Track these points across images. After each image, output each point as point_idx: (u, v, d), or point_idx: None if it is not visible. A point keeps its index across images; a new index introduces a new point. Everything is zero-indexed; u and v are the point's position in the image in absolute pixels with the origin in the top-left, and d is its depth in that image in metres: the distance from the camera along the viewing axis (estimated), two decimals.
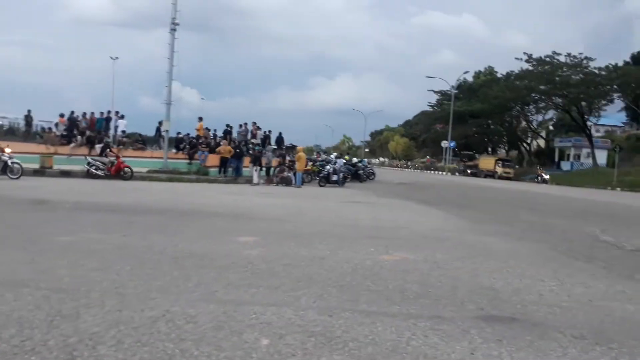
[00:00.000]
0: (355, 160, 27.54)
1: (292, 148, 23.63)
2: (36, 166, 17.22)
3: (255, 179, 18.66)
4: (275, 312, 3.22)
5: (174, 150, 21.91)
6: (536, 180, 35.46)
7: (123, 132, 22.17)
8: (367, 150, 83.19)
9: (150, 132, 25.33)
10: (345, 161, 24.04)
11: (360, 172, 24.45)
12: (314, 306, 3.42)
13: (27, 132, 23.12)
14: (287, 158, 20.94)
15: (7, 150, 15.07)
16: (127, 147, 20.84)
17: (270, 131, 24.32)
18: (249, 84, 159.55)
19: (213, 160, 20.52)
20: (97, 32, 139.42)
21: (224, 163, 19.96)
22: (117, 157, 17.64)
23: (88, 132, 20.22)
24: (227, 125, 23.43)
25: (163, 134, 20.88)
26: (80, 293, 3.46)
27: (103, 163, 17.17)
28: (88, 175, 16.75)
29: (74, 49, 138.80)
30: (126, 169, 17.21)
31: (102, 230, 6.32)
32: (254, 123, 24.03)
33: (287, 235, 6.64)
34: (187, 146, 21.97)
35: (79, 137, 19.98)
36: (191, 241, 5.83)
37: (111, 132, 21.95)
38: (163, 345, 2.61)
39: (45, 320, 2.90)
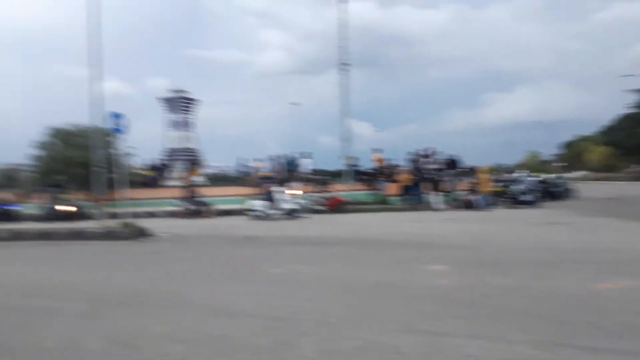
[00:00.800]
0: (548, 176, 25.14)
1: (473, 170, 22.66)
2: (241, 206, 19.70)
3: (437, 205, 18.35)
4: (480, 345, 3.11)
5: (355, 182, 22.91)
6: None
7: (309, 169, 24.06)
8: (559, 164, 75.14)
9: (330, 167, 27.24)
10: (536, 178, 22.12)
11: (555, 189, 22.18)
12: (523, 340, 3.20)
13: (239, 177, 26.55)
14: (472, 180, 20.11)
15: (297, 192, 17.38)
16: (314, 183, 22.49)
17: (452, 155, 23.81)
18: (418, 110, 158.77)
19: (393, 188, 20.84)
20: (276, 82, 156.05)
21: (404, 191, 20.11)
22: (334, 191, 19.07)
23: (282, 173, 22.45)
24: (409, 154, 23.73)
25: (344, 168, 22.09)
26: (294, 322, 3.82)
27: (324, 198, 18.77)
28: (312, 210, 18.00)
29: (260, 100, 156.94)
30: (343, 203, 18.43)
31: (305, 262, 6.90)
32: (430, 148, 23.84)
33: (478, 263, 6.37)
34: (367, 177, 22.77)
35: (274, 179, 22.31)
36: (383, 271, 6.00)
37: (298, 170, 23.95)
38: None
39: (268, 347, 3.26)
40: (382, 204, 19.84)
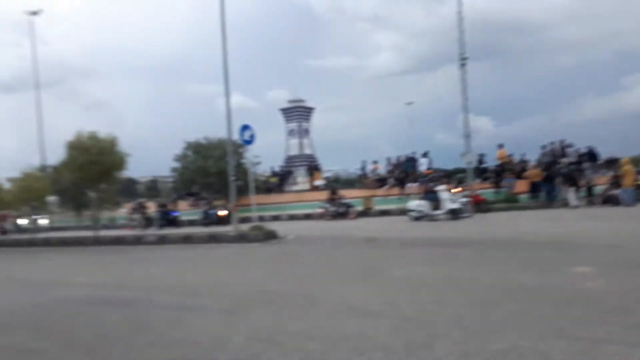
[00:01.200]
0: None
1: (614, 161, 20.34)
2: (361, 208, 19.91)
3: (573, 202, 16.79)
4: None
5: (478, 181, 21.83)
6: None
7: (427, 168, 23.43)
8: None
9: (448, 165, 26.31)
10: None
11: None
12: None
13: (358, 180, 26.81)
14: (614, 173, 18.11)
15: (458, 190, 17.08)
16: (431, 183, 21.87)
17: (589, 147, 21.67)
18: (546, 100, 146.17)
19: (522, 185, 19.53)
20: (389, 84, 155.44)
21: (534, 187, 18.73)
22: (473, 190, 18.43)
23: (398, 173, 22.24)
24: (543, 147, 22.10)
25: (464, 166, 21.10)
26: (425, 323, 3.73)
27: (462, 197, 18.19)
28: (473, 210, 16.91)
29: (374, 103, 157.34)
30: (483, 201, 17.65)
31: (430, 264, 6.76)
32: (562, 141, 21.92)
33: (629, 265, 5.72)
34: (492, 175, 21.57)
35: (391, 180, 22.16)
36: (517, 273, 5.64)
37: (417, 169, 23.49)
38: None
39: (402, 347, 3.22)
40: (510, 202, 18.70)
